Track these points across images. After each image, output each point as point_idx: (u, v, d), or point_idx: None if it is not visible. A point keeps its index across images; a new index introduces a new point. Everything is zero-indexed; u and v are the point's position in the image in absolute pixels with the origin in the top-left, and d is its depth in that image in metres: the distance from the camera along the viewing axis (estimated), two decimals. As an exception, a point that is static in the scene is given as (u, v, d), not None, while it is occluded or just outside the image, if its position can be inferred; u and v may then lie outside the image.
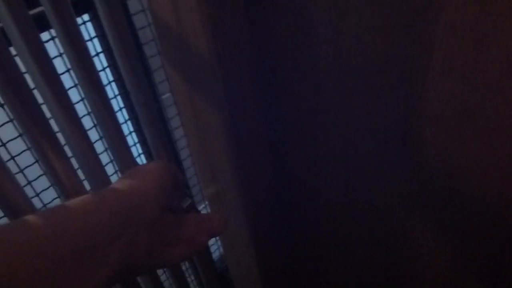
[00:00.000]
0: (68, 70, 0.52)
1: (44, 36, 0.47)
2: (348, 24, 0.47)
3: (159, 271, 0.73)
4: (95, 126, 0.57)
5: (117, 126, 0.54)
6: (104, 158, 0.60)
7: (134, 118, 0.64)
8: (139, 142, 0.68)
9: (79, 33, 0.46)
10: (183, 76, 0.58)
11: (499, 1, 0.36)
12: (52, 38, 0.50)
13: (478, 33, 0.39)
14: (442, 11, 0.40)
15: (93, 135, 0.56)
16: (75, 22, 0.46)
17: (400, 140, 0.53)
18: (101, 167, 0.54)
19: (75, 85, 0.54)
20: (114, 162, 0.62)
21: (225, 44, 0.53)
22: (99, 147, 0.57)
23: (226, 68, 0.55)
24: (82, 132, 0.50)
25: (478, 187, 0.50)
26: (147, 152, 0.69)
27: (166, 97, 0.68)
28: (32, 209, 0.49)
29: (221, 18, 0.51)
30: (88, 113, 0.56)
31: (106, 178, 0.55)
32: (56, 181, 0.49)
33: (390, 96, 0.49)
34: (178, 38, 0.55)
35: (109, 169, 0.60)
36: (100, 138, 0.59)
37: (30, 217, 0.29)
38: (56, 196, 0.58)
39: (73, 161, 0.53)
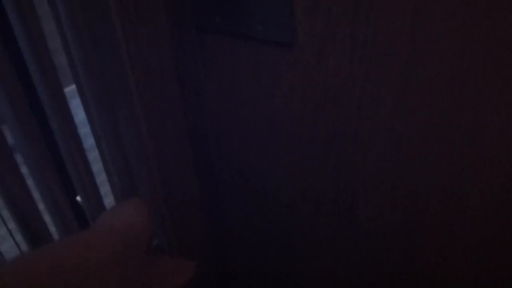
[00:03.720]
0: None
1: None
2: (276, 101, 0.48)
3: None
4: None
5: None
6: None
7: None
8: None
9: None
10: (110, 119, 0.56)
11: (416, 85, 0.39)
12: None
13: (399, 102, 0.41)
14: (367, 81, 0.41)
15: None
16: None
17: (333, 201, 0.53)
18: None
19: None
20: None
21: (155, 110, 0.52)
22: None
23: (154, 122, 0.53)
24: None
25: (408, 246, 0.51)
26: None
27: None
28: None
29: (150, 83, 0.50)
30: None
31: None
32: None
33: (322, 158, 0.50)
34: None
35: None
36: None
37: (23, 257, 0.29)
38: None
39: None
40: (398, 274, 0.55)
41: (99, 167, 0.61)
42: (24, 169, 0.43)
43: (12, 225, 0.46)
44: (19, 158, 0.43)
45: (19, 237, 0.47)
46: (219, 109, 0.55)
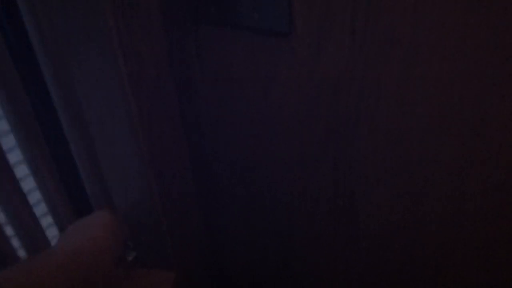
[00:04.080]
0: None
1: None
2: (272, 95, 0.47)
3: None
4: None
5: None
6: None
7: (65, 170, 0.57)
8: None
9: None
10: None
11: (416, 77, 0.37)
12: None
13: (401, 94, 0.40)
14: (367, 72, 0.40)
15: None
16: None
17: (332, 200, 0.52)
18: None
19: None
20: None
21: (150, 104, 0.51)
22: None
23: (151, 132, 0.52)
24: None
25: (408, 245, 0.50)
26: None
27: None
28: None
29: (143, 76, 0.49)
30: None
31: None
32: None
33: (320, 153, 0.49)
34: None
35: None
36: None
37: None
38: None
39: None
40: (398, 273, 0.53)
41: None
42: None
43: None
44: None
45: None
46: (215, 102, 0.54)
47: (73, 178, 0.53)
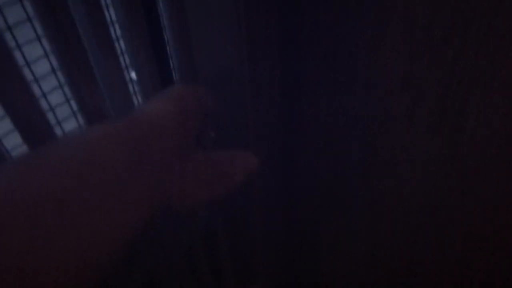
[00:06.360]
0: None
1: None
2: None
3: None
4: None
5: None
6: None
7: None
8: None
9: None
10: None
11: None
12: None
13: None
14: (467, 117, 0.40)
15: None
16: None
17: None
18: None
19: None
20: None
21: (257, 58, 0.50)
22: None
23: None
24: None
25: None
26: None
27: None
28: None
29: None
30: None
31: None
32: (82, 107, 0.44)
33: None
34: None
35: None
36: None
37: (42, 151, 0.24)
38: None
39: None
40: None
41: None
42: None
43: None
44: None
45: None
46: (312, 105, 0.55)
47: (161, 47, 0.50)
